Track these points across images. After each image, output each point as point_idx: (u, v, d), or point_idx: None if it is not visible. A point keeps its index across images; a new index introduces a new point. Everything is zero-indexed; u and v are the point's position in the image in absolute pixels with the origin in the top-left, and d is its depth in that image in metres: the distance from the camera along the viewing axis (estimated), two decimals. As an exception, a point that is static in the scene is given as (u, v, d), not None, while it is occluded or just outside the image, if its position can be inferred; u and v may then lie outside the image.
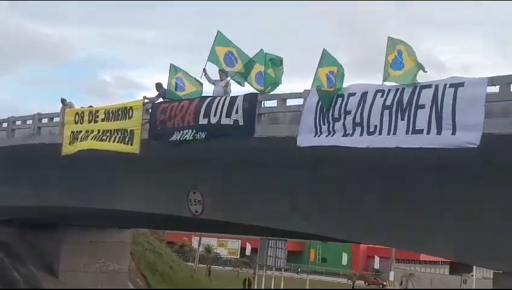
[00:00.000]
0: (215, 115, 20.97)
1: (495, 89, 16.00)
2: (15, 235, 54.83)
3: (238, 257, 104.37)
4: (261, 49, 21.65)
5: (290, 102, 21.04)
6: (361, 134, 16.93)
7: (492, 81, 15.83)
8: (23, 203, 37.30)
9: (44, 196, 34.73)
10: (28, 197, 35.92)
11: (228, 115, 20.66)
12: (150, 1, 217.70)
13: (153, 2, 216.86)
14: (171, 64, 23.78)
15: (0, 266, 53.95)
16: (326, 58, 18.67)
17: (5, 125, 32.60)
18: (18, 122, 31.87)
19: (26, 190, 35.45)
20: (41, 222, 50.07)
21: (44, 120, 30.01)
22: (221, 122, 20.73)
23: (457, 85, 15.16)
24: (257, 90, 21.45)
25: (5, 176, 35.65)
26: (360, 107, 16.95)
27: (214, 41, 22.36)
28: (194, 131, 21.41)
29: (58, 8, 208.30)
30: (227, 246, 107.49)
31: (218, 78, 22.81)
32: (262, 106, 21.22)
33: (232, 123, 20.53)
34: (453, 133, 14.98)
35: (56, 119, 28.55)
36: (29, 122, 31.10)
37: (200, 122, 21.25)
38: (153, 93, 24.75)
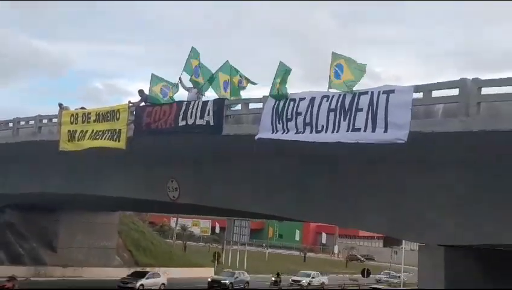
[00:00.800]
0: (191, 117, 21.00)
1: (419, 95, 16.17)
2: (20, 217, 54.31)
3: (209, 234, 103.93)
4: (227, 60, 21.70)
5: (252, 106, 21.02)
6: (310, 132, 17.01)
7: (417, 88, 16.03)
8: (26, 190, 36.88)
9: (44, 184, 34.43)
10: (30, 185, 35.58)
11: (201, 117, 20.70)
12: (132, 24, 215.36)
13: (135, 24, 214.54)
14: (152, 74, 23.70)
15: (7, 242, 53.30)
16: (281, 70, 18.66)
17: (10, 125, 32.17)
18: (22, 123, 31.52)
19: (29, 180, 35.06)
20: (42, 205, 49.72)
21: (45, 120, 29.68)
22: (196, 123, 20.75)
23: (389, 92, 15.34)
24: (223, 96, 21.40)
25: (10, 168, 35.15)
26: (309, 110, 17.03)
27: (189, 55, 22.26)
28: (174, 131, 21.57)
29: (58, 28, 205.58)
30: (200, 226, 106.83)
31: (192, 86, 22.72)
32: (229, 109, 21.18)
33: (204, 123, 20.54)
34: (385, 131, 15.15)
35: (54, 120, 28.21)
36: (32, 122, 30.78)
37: (179, 124, 21.24)
38: (136, 98, 24.60)
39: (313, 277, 64.51)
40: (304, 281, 62.27)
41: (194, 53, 22.29)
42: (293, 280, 63.75)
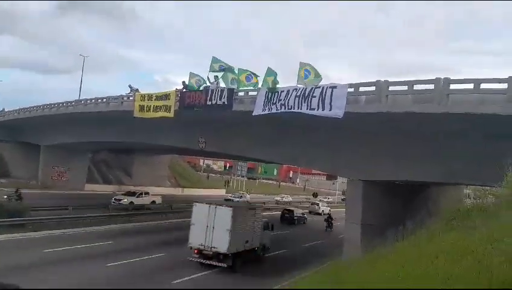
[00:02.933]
0: (214, 99, 20.87)
1: (351, 89, 16.11)
2: (110, 156, 54.66)
3: (223, 169, 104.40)
4: (232, 67, 21.44)
5: (250, 93, 20.87)
6: (284, 110, 16.92)
7: (350, 85, 15.96)
8: (114, 140, 36.78)
9: (124, 137, 34.30)
10: (116, 137, 35.49)
11: (220, 99, 20.60)
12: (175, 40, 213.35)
13: (180, 41, 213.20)
14: (190, 72, 23.49)
15: (102, 171, 53.67)
16: (269, 72, 18.49)
17: (104, 100, 31.92)
18: (111, 99, 31.30)
19: (116, 134, 34.96)
20: (123, 149, 49.73)
21: (125, 98, 29.45)
22: (217, 103, 20.60)
23: (333, 87, 15.35)
24: (231, 87, 21.22)
25: (105, 127, 34.93)
26: (285, 97, 16.92)
27: (211, 61, 21.93)
28: (203, 107, 21.47)
29: (133, 41, 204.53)
30: (217, 164, 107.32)
31: (214, 80, 22.48)
32: (236, 95, 21.03)
33: (222, 103, 20.40)
34: (330, 110, 15.17)
35: (130, 98, 28.03)
36: (117, 99, 30.56)
37: (207, 103, 21.09)
38: (180, 86, 24.36)
39: (240, 197, 55.40)
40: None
41: (214, 60, 21.98)
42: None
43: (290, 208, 45.08)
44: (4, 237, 21.70)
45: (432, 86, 14.38)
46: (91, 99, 34.00)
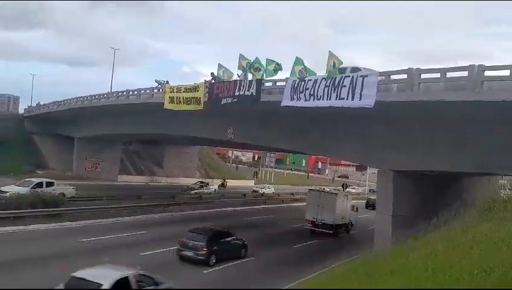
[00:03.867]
0: (242, 90, 20.81)
1: (382, 78, 15.83)
2: (141, 147, 55.69)
3: (251, 160, 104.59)
4: (257, 57, 21.27)
5: (278, 84, 20.76)
6: (313, 100, 16.75)
7: (381, 74, 15.70)
8: (145, 131, 37.26)
9: (155, 128, 34.63)
10: (147, 128, 35.78)
11: (248, 90, 20.51)
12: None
13: (209, 32, 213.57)
14: (218, 63, 23.47)
15: (134, 161, 54.78)
16: (298, 61, 18.31)
17: (135, 92, 32.37)
18: (142, 91, 31.62)
19: (146, 125, 35.33)
20: (154, 140, 50.36)
21: (155, 90, 29.73)
22: (245, 94, 20.56)
23: (364, 76, 15.05)
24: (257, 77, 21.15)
25: (137, 118, 35.34)
26: (313, 87, 16.73)
27: (239, 57, 21.84)
28: (232, 98, 21.25)
29: (161, 31, 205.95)
30: (246, 155, 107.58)
31: (242, 72, 22.39)
32: (264, 85, 20.96)
33: (250, 94, 20.35)
34: (360, 100, 14.91)
35: (161, 90, 28.30)
36: (148, 90, 30.91)
37: (235, 94, 21.08)
38: (208, 78, 24.45)
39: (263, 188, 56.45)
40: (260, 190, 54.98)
41: (242, 57, 21.90)
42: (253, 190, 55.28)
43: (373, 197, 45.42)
44: (41, 227, 22.49)
45: (465, 74, 13.97)
46: (122, 92, 34.58)
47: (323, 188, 64.75)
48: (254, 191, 52.72)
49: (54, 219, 24.09)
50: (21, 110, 68.55)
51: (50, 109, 47.52)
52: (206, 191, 44.88)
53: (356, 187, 74.69)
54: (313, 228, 29.92)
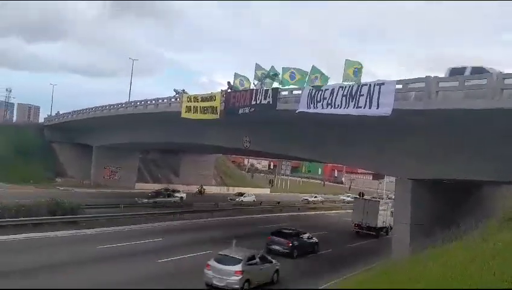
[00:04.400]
0: (259, 99, 20.91)
1: (400, 86, 15.73)
2: (158, 156, 56.18)
3: (267, 168, 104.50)
4: (272, 66, 21.38)
5: (295, 92, 20.74)
6: (331, 108, 16.68)
7: (398, 82, 15.60)
8: (163, 140, 37.47)
9: (172, 137, 34.89)
10: (165, 137, 36.21)
11: (265, 99, 20.62)
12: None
13: (226, 43, 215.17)
14: (235, 72, 23.67)
15: (151, 170, 55.13)
16: (314, 70, 18.33)
17: (153, 102, 32.70)
18: (160, 100, 31.90)
19: (164, 134, 35.68)
20: (171, 149, 50.74)
21: (173, 100, 29.98)
22: (262, 102, 20.65)
23: (381, 84, 14.95)
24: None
25: (154, 128, 35.69)
26: (331, 96, 16.68)
27: (255, 68, 21.99)
28: (249, 108, 21.33)
29: (179, 43, 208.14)
30: (262, 163, 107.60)
31: (258, 81, 22.46)
32: (280, 94, 21.00)
33: (266, 102, 20.43)
34: (377, 108, 14.80)
35: (178, 100, 28.54)
36: (165, 100, 31.17)
37: (252, 103, 21.17)
38: (225, 87, 24.56)
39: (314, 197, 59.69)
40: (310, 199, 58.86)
41: (257, 67, 22.03)
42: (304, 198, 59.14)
43: None
44: (59, 234, 22.79)
45: (484, 82, 13.80)
46: (140, 101, 34.96)
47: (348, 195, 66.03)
48: (231, 199, 48.88)
49: (71, 226, 24.42)
50: (41, 120, 69.93)
51: (69, 118, 48.29)
52: (170, 199, 39.54)
53: (374, 196, 73.06)
54: (359, 230, 34.53)
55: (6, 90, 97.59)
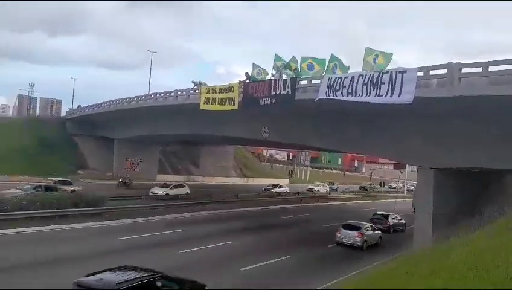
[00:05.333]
0: (278, 89, 20.73)
1: (421, 73, 15.44)
2: (179, 148, 56.39)
3: (286, 159, 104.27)
4: (293, 56, 21.17)
5: (313, 81, 20.58)
6: (352, 96, 16.40)
7: (420, 69, 15.28)
8: (182, 132, 37.75)
9: (192, 128, 35.03)
10: (184, 129, 36.40)
11: (284, 89, 20.43)
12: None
13: (244, 32, 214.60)
14: (253, 63, 23.59)
15: (172, 162, 55.53)
16: (332, 58, 18.11)
17: (172, 94, 32.81)
18: (179, 92, 32.03)
19: (184, 126, 35.85)
20: (191, 141, 50.94)
21: (191, 91, 30.10)
22: (280, 93, 20.49)
23: (403, 71, 14.63)
24: (292, 76, 20.99)
25: (173, 118, 35.89)
26: (350, 84, 16.40)
27: (274, 58, 21.86)
28: (269, 99, 21.20)
29: (197, 34, 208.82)
30: (280, 154, 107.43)
31: (276, 72, 22.32)
32: (299, 83, 20.83)
33: (285, 93, 20.27)
34: (399, 96, 14.50)
35: (197, 91, 28.57)
36: (184, 92, 31.22)
37: (271, 93, 21.04)
38: (243, 78, 24.51)
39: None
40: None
41: (277, 58, 21.88)
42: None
43: None
44: (82, 226, 23.15)
45: (509, 67, 13.43)
46: (160, 94, 35.20)
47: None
48: (266, 189, 48.83)
49: (94, 218, 24.75)
50: (63, 113, 71.12)
51: (90, 111, 48.97)
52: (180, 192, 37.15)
53: (396, 185, 72.11)
54: None
55: (29, 84, 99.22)
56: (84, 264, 16.15)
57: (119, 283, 9.64)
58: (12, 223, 20.96)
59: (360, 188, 63.92)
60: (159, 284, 10.49)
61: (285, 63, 21.24)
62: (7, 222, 20.97)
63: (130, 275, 10.38)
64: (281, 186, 51.47)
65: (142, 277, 10.40)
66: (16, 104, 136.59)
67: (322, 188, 56.48)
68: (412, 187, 61.47)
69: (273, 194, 46.01)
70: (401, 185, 71.02)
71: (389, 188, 68.31)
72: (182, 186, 39.05)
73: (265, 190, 48.46)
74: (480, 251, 8.79)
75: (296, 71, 20.71)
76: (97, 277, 10.00)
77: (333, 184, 63.04)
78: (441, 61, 15.83)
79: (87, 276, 10.14)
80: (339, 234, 23.95)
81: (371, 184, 65.58)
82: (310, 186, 55.89)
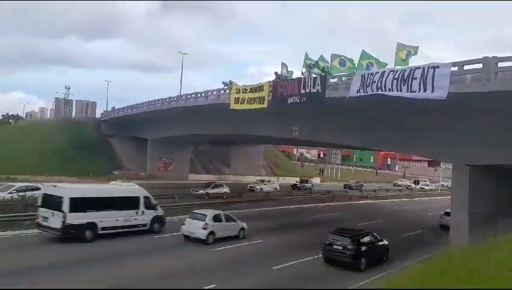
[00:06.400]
0: (308, 87, 20.62)
1: (455, 68, 14.98)
2: (210, 148, 56.87)
3: (317, 158, 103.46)
4: (321, 54, 21.15)
5: (344, 79, 20.35)
6: (382, 91, 16.07)
7: (454, 64, 14.85)
8: (213, 132, 38.02)
9: (224, 128, 35.27)
10: (216, 129, 36.68)
11: (314, 87, 20.30)
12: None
13: (274, 34, 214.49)
14: (282, 62, 23.69)
15: (203, 162, 55.85)
16: (364, 55, 17.84)
17: (203, 94, 33.07)
18: (209, 93, 32.22)
19: (214, 126, 35.95)
20: (222, 141, 51.27)
21: (222, 92, 30.12)
22: (311, 91, 20.35)
23: (435, 66, 14.31)
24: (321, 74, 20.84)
25: (222, 119, 36.06)
26: (380, 78, 16.09)
27: (305, 57, 21.86)
28: (299, 97, 21.07)
29: (227, 36, 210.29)
30: (311, 153, 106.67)
31: (306, 70, 22.19)
32: (329, 81, 20.61)
33: (315, 91, 20.11)
34: (432, 91, 14.20)
35: (227, 91, 28.66)
36: (215, 92, 31.33)
37: (301, 92, 20.91)
38: (272, 77, 24.45)
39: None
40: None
41: (306, 57, 21.84)
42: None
43: None
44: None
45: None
46: (191, 94, 35.56)
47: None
48: (299, 184, 52.15)
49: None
50: (98, 115, 72.95)
51: (124, 113, 49.98)
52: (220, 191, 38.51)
53: (429, 183, 70.12)
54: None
55: (65, 88, 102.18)
56: (122, 262, 16.50)
57: None
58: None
59: (345, 186, 57.85)
60: None
61: (314, 62, 21.12)
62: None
63: None
64: (307, 181, 53.37)
65: None
66: (53, 107, 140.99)
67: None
68: (446, 184, 59.35)
69: (303, 193, 46.45)
70: (429, 183, 68.91)
71: (421, 188, 64.13)
72: (221, 185, 40.26)
73: (293, 186, 50.59)
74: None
75: (324, 69, 20.55)
76: None
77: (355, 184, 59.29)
78: (475, 57, 15.31)
79: None
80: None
81: (357, 181, 62.40)
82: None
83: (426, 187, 65.78)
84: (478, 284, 7.39)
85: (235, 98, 25.86)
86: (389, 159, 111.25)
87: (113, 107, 57.41)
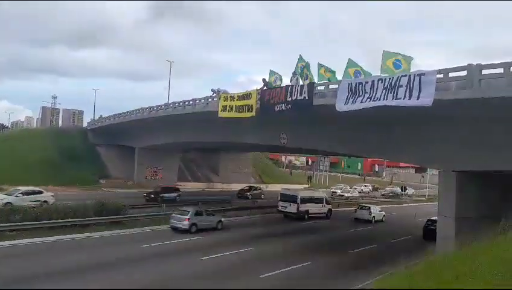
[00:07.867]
0: (294, 95, 20.69)
1: (440, 75, 15.17)
2: (198, 155, 56.71)
3: (305, 165, 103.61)
4: (307, 62, 21.18)
5: (331, 86, 20.43)
6: (369, 102, 16.20)
7: (439, 71, 15.04)
8: (201, 140, 37.76)
9: (209, 136, 35.21)
10: (204, 137, 36.33)
11: (300, 94, 20.38)
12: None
13: (261, 42, 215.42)
14: (270, 69, 23.70)
15: (192, 169, 55.68)
16: (351, 63, 17.98)
17: (191, 102, 33.00)
18: (197, 101, 32.15)
19: (201, 134, 35.89)
20: (210, 148, 51.09)
21: (210, 99, 30.15)
22: (298, 98, 20.43)
23: (421, 74, 14.43)
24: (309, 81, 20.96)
25: (201, 126, 35.91)
26: (371, 89, 16.19)
27: (298, 59, 21.88)
28: (285, 104, 21.15)
29: (218, 45, 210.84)
30: (299, 160, 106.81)
31: (293, 77, 22.27)
32: (316, 89, 20.73)
33: (302, 98, 20.19)
34: (418, 99, 14.30)
35: (215, 99, 28.66)
36: (203, 100, 31.37)
37: (287, 99, 20.98)
38: (260, 84, 24.50)
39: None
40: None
41: (300, 59, 21.89)
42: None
43: None
44: (104, 234, 23.40)
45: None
46: (179, 102, 35.42)
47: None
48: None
49: (115, 226, 25.04)
50: (85, 124, 72.38)
51: (111, 121, 49.63)
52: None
53: (413, 189, 71.24)
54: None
55: (52, 97, 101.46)
56: (109, 272, 16.33)
57: None
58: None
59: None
60: None
61: (304, 64, 21.20)
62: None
63: None
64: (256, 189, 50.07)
65: None
66: (40, 116, 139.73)
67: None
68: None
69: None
70: (412, 190, 70.06)
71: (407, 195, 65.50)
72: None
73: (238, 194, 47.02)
74: (506, 257, 8.52)
75: (306, 78, 20.68)
76: None
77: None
78: (462, 64, 15.50)
79: None
80: None
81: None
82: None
83: (410, 193, 67.39)
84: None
85: (222, 106, 25.84)
86: (376, 166, 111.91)
87: (101, 115, 56.99)
